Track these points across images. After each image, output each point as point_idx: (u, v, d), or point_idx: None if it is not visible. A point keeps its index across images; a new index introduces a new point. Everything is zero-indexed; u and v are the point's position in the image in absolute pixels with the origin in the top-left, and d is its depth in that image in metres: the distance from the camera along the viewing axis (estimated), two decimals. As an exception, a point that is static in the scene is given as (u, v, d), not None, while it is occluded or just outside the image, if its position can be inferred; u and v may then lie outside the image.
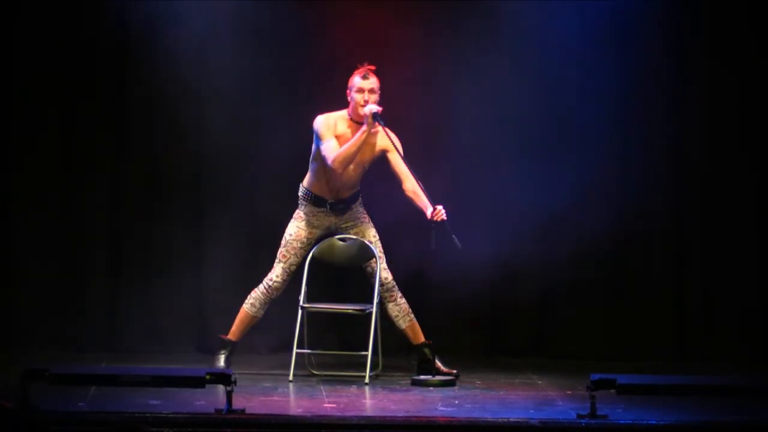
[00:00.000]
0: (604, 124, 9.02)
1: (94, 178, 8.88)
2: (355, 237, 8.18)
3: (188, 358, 8.72)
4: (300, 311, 8.06)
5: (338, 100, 8.40)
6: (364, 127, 7.90)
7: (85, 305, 8.86)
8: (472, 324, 8.95)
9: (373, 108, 7.89)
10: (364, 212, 8.18)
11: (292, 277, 8.11)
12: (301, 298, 8.12)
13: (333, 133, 8.01)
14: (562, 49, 8.97)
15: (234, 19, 8.82)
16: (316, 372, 8.21)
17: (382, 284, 8.06)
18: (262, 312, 8.16)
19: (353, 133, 7.97)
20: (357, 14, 8.80)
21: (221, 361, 8.12)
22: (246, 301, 8.15)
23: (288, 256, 8.11)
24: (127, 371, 6.85)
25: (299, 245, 8.11)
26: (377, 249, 8.08)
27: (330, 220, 8.13)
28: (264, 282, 8.12)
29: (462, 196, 8.62)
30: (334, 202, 8.10)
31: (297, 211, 8.17)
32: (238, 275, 8.90)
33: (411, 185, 7.97)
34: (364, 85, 7.95)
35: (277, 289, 8.11)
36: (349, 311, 8.18)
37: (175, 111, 8.89)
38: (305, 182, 8.16)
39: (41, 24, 8.80)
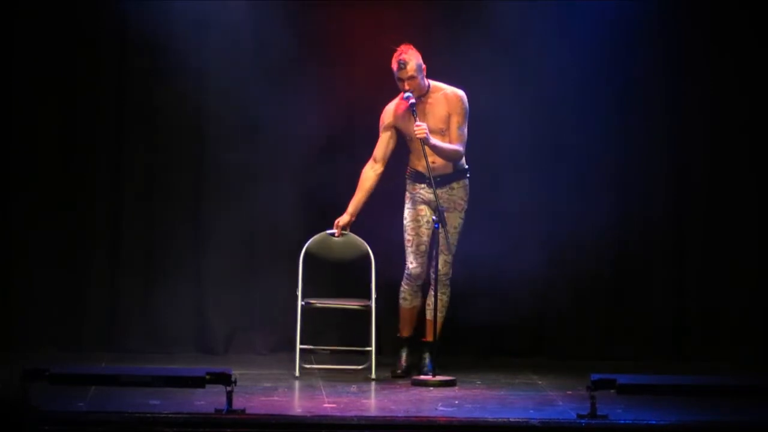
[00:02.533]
0: (604, 126, 9.02)
1: (94, 178, 8.88)
2: (348, 233, 8.20)
3: (188, 358, 8.73)
4: (300, 308, 8.08)
5: (341, 97, 8.39)
6: None
7: (85, 305, 8.85)
8: (472, 324, 8.94)
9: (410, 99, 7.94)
10: (463, 199, 8.11)
11: (427, 258, 8.09)
12: (299, 294, 8.14)
13: (388, 128, 8.09)
14: (563, 50, 8.97)
15: (234, 17, 8.80)
16: (318, 366, 8.23)
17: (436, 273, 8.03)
18: (418, 301, 8.17)
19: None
20: (360, 11, 8.79)
21: (403, 359, 8.19)
22: (399, 297, 8.18)
23: (411, 239, 8.10)
24: (127, 371, 6.85)
25: (416, 224, 8.09)
26: (450, 240, 7.96)
27: (430, 196, 8.05)
28: (404, 273, 8.12)
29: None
30: (433, 176, 7.99)
31: (405, 193, 8.17)
32: (238, 275, 8.91)
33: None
34: (401, 76, 7.97)
35: (417, 275, 8.10)
36: (353, 306, 8.21)
37: (175, 111, 8.89)
38: (408, 161, 8.17)
39: (41, 24, 8.79)
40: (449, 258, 8.06)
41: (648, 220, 9.08)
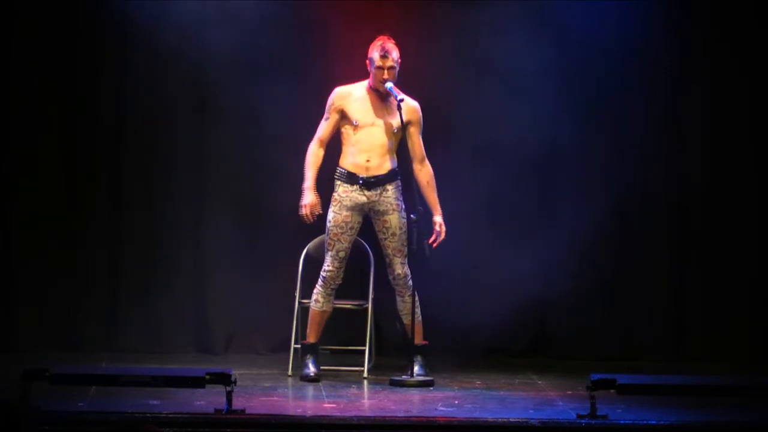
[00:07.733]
0: (604, 125, 9.02)
1: (94, 177, 8.88)
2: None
3: (188, 358, 8.73)
4: (296, 307, 8.09)
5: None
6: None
7: (85, 305, 8.85)
8: (472, 324, 8.94)
9: (400, 98, 7.80)
10: (399, 199, 7.96)
11: (345, 263, 7.97)
12: (297, 294, 8.14)
13: (337, 110, 7.94)
14: (562, 50, 8.97)
15: (235, 14, 8.80)
16: (321, 367, 8.23)
17: (395, 278, 7.98)
18: (329, 305, 8.02)
19: (372, 102, 7.91)
20: (364, 5, 8.79)
21: (310, 366, 7.99)
22: (311, 300, 8.05)
23: (333, 243, 7.95)
24: (127, 371, 6.86)
25: (340, 231, 7.93)
26: (399, 242, 7.92)
27: (363, 200, 7.93)
28: (320, 275, 7.99)
29: (462, 195, 8.62)
30: (367, 178, 7.93)
31: (333, 194, 8.01)
32: (238, 275, 8.91)
33: (425, 171, 7.96)
34: (383, 63, 7.85)
35: (333, 278, 7.95)
36: (350, 307, 8.21)
37: (175, 111, 8.90)
38: (339, 160, 8.01)
39: (41, 24, 8.79)
40: (404, 260, 7.96)
41: (648, 220, 9.07)
